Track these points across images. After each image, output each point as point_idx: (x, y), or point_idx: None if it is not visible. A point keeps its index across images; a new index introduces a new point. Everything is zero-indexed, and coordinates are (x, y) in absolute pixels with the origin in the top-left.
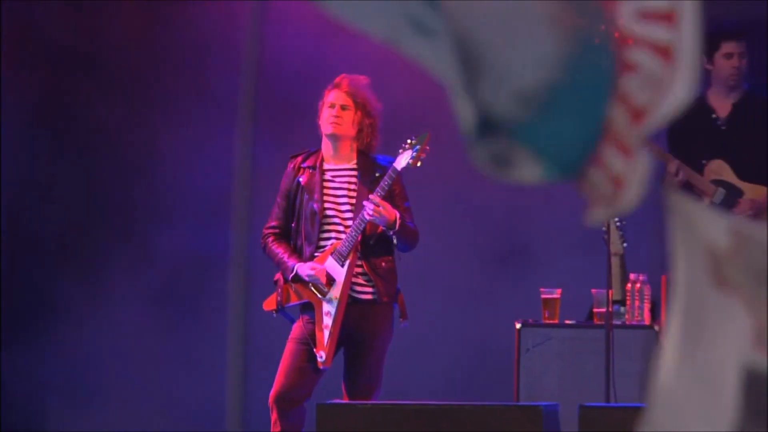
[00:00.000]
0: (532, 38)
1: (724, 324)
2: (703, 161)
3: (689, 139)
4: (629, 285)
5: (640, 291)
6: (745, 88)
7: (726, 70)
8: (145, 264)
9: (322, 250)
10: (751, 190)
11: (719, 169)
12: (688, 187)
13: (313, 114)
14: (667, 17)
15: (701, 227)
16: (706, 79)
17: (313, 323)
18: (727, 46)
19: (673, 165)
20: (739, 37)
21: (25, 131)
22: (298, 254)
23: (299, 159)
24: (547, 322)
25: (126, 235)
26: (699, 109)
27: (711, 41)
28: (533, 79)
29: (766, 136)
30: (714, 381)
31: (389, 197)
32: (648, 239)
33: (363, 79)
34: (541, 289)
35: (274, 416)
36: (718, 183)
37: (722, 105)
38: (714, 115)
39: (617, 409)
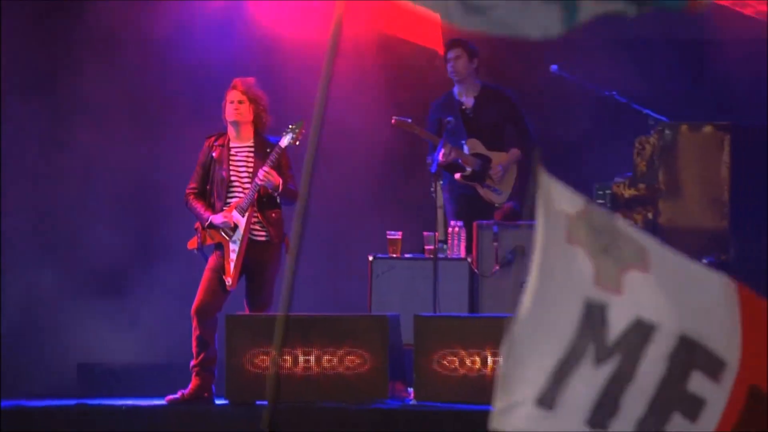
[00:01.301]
0: None
1: (572, 267)
2: (463, 141)
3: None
4: (450, 229)
5: (458, 234)
6: (479, 84)
7: (449, 70)
8: None
9: (228, 205)
10: (497, 157)
11: (474, 145)
12: (456, 162)
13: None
14: None
15: (557, 200)
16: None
17: (223, 257)
18: (447, 54)
19: (447, 148)
20: (452, 46)
21: None
22: (212, 208)
23: (212, 139)
24: (391, 256)
25: None
26: (451, 102)
27: (444, 51)
28: None
29: (497, 118)
30: (562, 310)
31: (277, 167)
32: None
33: (251, 80)
34: (388, 232)
35: (194, 323)
36: (475, 155)
37: (467, 98)
38: (463, 106)
39: (441, 317)
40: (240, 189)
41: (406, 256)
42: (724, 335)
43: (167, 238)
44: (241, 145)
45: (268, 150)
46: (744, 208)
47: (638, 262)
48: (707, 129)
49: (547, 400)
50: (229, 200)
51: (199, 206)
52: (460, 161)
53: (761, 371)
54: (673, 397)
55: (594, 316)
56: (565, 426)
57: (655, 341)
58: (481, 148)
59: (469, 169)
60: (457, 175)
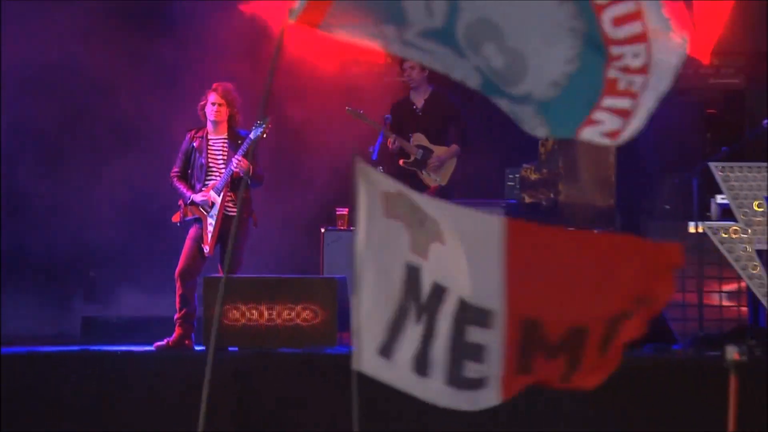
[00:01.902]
0: (558, 42)
1: (392, 236)
2: (410, 134)
3: (402, 121)
4: None
5: None
6: (431, 89)
7: (406, 78)
8: None
9: (206, 186)
10: (438, 150)
11: (419, 138)
12: (402, 150)
13: None
14: (635, 16)
15: (376, 183)
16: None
17: (202, 229)
18: (403, 64)
19: (392, 137)
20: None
21: None
22: (192, 188)
23: (193, 132)
24: (339, 228)
25: None
26: (406, 103)
27: (401, 62)
28: (560, 71)
29: (441, 118)
30: (389, 273)
31: (248, 155)
32: None
33: (230, 86)
34: (337, 209)
35: (177, 284)
36: (419, 146)
37: (419, 100)
38: (414, 106)
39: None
40: (216, 173)
41: (352, 228)
42: (490, 285)
43: (157, 213)
44: (217, 137)
45: (239, 142)
46: (626, 188)
47: (438, 235)
48: None
49: (386, 351)
50: (207, 182)
51: (182, 186)
52: (405, 150)
53: (528, 300)
54: (460, 348)
55: (412, 277)
56: (400, 375)
57: (445, 302)
58: (425, 141)
59: (412, 157)
60: (401, 161)
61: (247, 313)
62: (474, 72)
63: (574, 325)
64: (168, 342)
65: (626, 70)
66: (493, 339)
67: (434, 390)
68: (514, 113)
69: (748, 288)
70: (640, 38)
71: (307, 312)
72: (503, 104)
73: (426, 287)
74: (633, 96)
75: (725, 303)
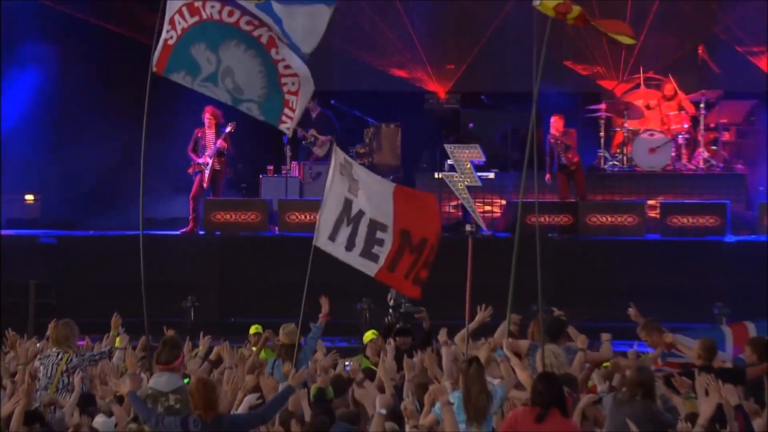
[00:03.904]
0: (257, 76)
1: (338, 183)
2: (308, 129)
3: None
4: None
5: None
6: (319, 109)
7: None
8: None
9: (204, 155)
10: (321, 138)
11: (313, 132)
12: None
13: None
14: (290, 66)
15: (338, 156)
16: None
17: (202, 174)
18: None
19: (302, 131)
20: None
21: None
22: (198, 156)
23: (198, 129)
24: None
25: None
26: (307, 113)
27: None
28: (261, 92)
29: (323, 121)
30: (337, 201)
31: (224, 140)
32: None
33: (218, 112)
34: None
35: (191, 204)
36: (313, 136)
37: (315, 113)
38: (313, 117)
39: None
40: (210, 149)
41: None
42: (386, 213)
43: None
44: (210, 132)
45: (221, 131)
46: (405, 156)
47: (363, 184)
48: (391, 127)
49: (332, 237)
50: (204, 153)
51: (193, 155)
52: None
53: (407, 221)
54: (372, 239)
55: (347, 205)
56: (338, 250)
57: (362, 217)
58: (315, 134)
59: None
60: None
61: None
62: (227, 94)
63: (423, 236)
64: (184, 231)
65: (289, 92)
66: (388, 236)
67: (353, 258)
68: (250, 111)
69: (462, 206)
70: (295, 74)
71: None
72: (243, 108)
73: (354, 210)
74: (292, 109)
75: (451, 211)
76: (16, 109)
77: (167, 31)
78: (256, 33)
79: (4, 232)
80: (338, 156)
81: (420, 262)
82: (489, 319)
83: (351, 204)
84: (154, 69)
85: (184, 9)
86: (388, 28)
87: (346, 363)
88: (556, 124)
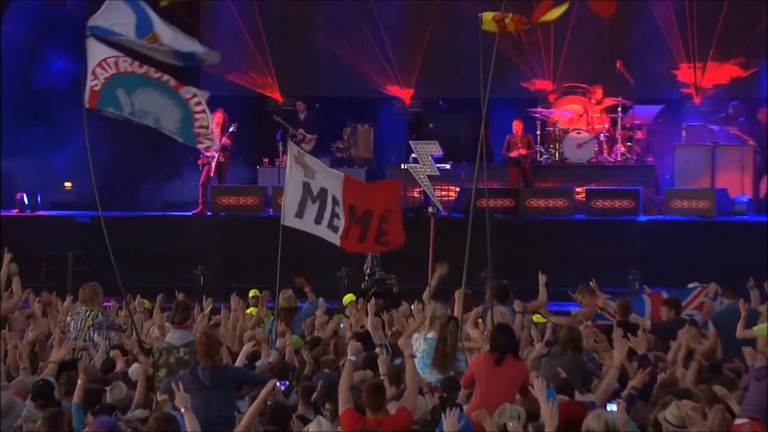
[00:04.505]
0: (174, 109)
1: (296, 170)
2: (297, 128)
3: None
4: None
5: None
6: (307, 112)
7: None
8: None
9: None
10: (308, 137)
11: (301, 131)
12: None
13: None
14: (203, 105)
15: (292, 150)
16: None
17: (209, 164)
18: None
19: (290, 128)
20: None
21: None
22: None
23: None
24: (277, 166)
25: None
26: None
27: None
28: (177, 121)
29: (306, 123)
30: (297, 184)
31: (228, 137)
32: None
33: (225, 114)
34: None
35: (201, 191)
36: (301, 134)
37: (303, 115)
38: (301, 118)
39: None
40: (216, 145)
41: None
42: (338, 192)
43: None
44: (217, 130)
45: (226, 130)
46: (384, 151)
47: (319, 170)
48: (365, 126)
49: (299, 215)
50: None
51: (202, 150)
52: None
53: (354, 198)
54: (333, 212)
55: (306, 186)
56: (305, 224)
57: (328, 196)
58: (303, 132)
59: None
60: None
61: None
62: (151, 124)
63: (366, 209)
64: (197, 211)
65: (200, 125)
66: (341, 211)
67: (321, 230)
68: (171, 134)
69: (424, 192)
70: (201, 104)
71: None
72: (167, 132)
73: (315, 189)
74: (206, 128)
75: (416, 196)
76: None
77: (91, 80)
78: (164, 79)
79: (47, 212)
80: (292, 149)
81: (371, 228)
82: (446, 274)
83: (310, 186)
84: (87, 106)
85: (104, 62)
86: (364, 50)
87: (341, 321)
88: (516, 127)
